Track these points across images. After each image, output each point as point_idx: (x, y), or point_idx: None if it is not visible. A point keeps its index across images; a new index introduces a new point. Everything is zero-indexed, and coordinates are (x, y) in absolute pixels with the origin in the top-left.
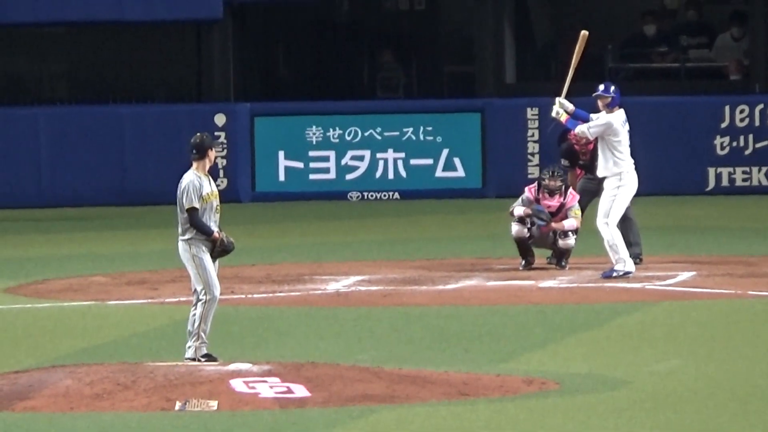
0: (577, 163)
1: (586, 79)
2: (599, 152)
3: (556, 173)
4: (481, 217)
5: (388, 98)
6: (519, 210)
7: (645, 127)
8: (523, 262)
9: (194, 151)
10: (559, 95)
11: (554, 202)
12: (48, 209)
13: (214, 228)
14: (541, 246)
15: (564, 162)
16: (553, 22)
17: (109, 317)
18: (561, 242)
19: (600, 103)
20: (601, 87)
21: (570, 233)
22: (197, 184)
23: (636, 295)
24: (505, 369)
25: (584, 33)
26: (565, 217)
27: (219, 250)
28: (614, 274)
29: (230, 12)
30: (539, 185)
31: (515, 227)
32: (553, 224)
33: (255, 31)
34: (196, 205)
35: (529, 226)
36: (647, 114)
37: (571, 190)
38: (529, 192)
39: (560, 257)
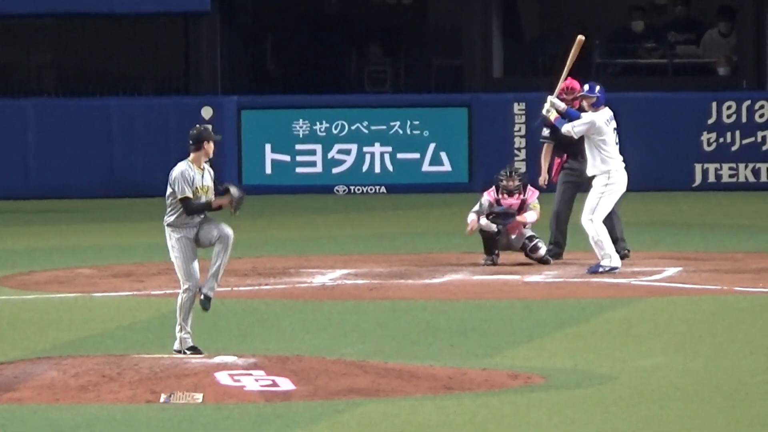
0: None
1: (573, 75)
2: (587, 151)
3: (513, 173)
4: (467, 211)
5: (375, 92)
6: (483, 221)
7: (632, 123)
8: (487, 258)
9: (191, 143)
10: (551, 94)
11: (515, 200)
12: (34, 201)
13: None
14: (508, 249)
15: (545, 133)
16: (541, 17)
17: (95, 309)
18: (534, 256)
19: (585, 103)
20: (586, 87)
21: (540, 245)
22: (189, 174)
23: (622, 290)
24: (491, 363)
25: (580, 38)
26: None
27: (236, 206)
28: (600, 269)
29: (218, 4)
30: (497, 187)
31: (483, 221)
32: (517, 218)
33: (243, 23)
34: (189, 193)
35: (496, 227)
36: (634, 110)
37: (530, 186)
38: (488, 196)
39: (540, 257)
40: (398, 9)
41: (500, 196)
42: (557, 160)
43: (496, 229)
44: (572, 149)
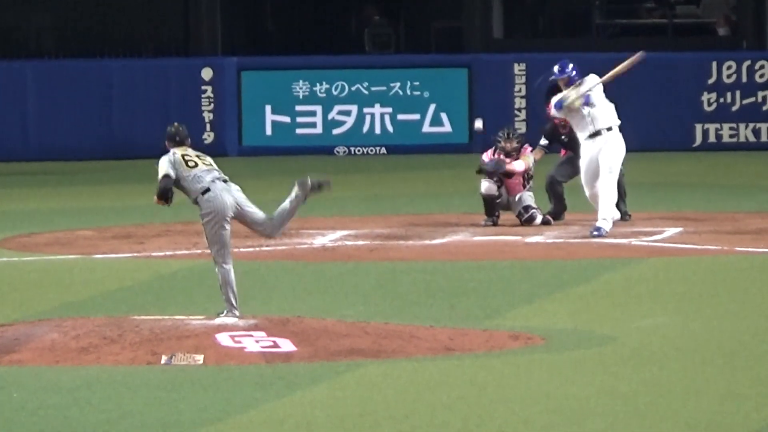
0: (560, 141)
1: (573, 36)
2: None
3: (511, 135)
4: (467, 172)
5: (375, 53)
6: (483, 185)
7: (632, 83)
8: (487, 219)
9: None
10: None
11: (511, 161)
12: (35, 163)
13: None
14: (507, 210)
15: (543, 141)
16: None
17: (95, 271)
18: (529, 226)
19: (560, 83)
20: (556, 68)
21: (536, 215)
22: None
23: (622, 251)
24: (491, 324)
25: (642, 54)
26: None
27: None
28: (602, 232)
29: None
30: (495, 147)
31: (485, 184)
32: (507, 167)
33: None
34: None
35: (498, 185)
36: (634, 70)
37: (526, 145)
38: (486, 157)
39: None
40: None
41: (496, 155)
42: (563, 152)
43: (497, 193)
44: (571, 144)
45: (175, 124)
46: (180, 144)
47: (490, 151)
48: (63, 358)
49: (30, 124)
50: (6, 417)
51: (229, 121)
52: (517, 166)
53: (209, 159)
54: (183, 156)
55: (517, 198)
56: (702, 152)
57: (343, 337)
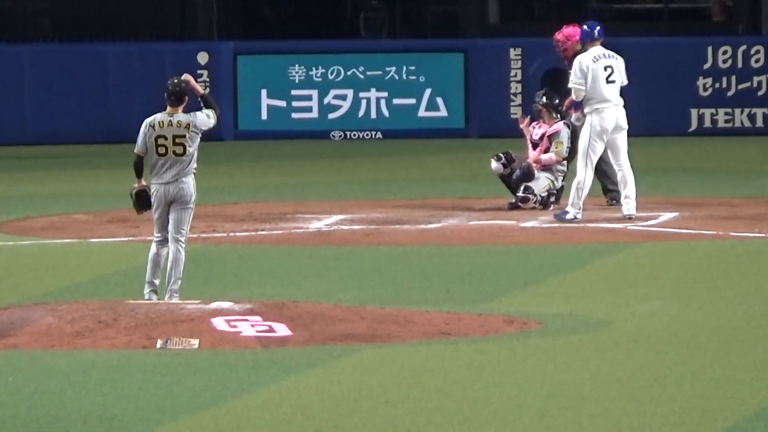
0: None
1: (569, 20)
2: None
3: (538, 95)
4: (463, 156)
5: (371, 37)
6: (493, 164)
7: (628, 68)
8: (511, 202)
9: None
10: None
11: (541, 129)
12: (31, 147)
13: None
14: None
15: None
16: None
17: (90, 255)
18: (522, 206)
19: (589, 46)
20: (586, 27)
21: (530, 198)
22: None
23: (618, 235)
24: (487, 309)
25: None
26: (547, 148)
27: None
28: (566, 215)
29: None
30: (536, 118)
31: (493, 164)
32: (532, 158)
33: None
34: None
35: (504, 162)
36: (630, 55)
37: (561, 122)
38: (533, 127)
39: (547, 199)
40: None
41: (533, 129)
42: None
43: (503, 171)
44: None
45: (175, 79)
46: (175, 104)
47: (533, 124)
48: (58, 342)
49: (26, 108)
50: (1, 401)
51: (224, 106)
52: (544, 158)
53: (187, 144)
54: (156, 139)
55: (526, 167)
56: (697, 137)
57: (338, 322)
